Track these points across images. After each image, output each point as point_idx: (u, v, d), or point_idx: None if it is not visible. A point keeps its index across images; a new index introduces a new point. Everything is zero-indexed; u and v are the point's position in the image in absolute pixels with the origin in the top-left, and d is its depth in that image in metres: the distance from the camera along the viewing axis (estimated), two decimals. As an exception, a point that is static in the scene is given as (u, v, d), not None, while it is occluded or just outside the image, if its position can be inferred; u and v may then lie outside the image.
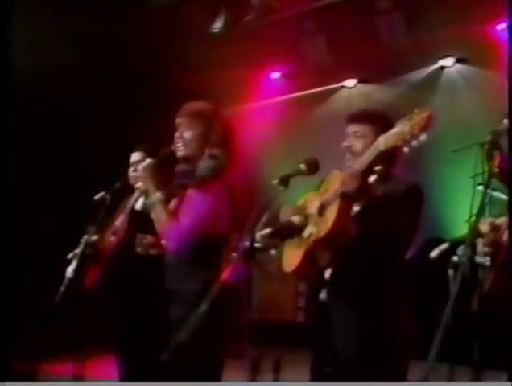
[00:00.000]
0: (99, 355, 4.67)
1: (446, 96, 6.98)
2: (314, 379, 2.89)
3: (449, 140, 5.99)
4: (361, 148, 2.77)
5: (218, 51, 6.94)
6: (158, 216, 2.97)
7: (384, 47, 6.89)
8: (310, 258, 2.79)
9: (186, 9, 6.78)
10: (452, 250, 4.01)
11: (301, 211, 2.91)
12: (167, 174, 3.08)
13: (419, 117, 2.45)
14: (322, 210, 2.76)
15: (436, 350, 1.83)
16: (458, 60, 7.05)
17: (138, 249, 3.26)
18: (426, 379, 1.90)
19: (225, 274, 2.36)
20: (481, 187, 2.35)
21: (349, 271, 2.75)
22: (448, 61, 7.08)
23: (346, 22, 6.82)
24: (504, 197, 3.63)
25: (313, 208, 2.84)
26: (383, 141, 2.55)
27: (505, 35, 6.22)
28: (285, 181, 2.57)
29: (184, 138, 3.02)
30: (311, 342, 2.92)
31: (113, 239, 3.80)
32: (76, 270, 3.46)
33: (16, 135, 5.85)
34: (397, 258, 2.82)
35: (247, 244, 2.41)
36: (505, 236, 3.51)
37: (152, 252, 3.24)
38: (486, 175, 2.34)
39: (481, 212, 2.30)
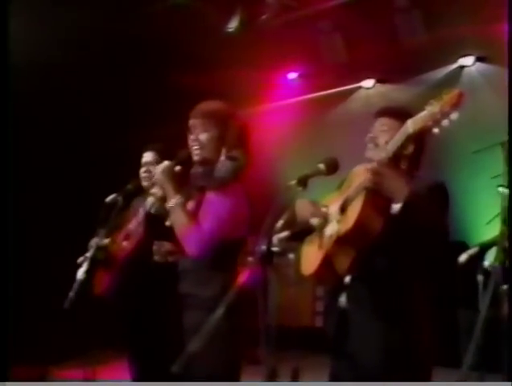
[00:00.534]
0: (110, 360, 4.63)
1: (466, 95, 6.82)
2: (333, 386, 2.82)
3: (470, 140, 5.89)
4: (385, 141, 2.69)
5: (234, 51, 6.91)
6: (178, 221, 2.90)
7: (402, 46, 6.82)
8: (330, 261, 2.69)
9: (201, 8, 6.71)
10: (481, 254, 3.90)
11: (319, 208, 2.82)
12: (182, 177, 3.01)
13: (449, 95, 2.39)
14: (345, 206, 2.67)
15: (471, 360, 1.73)
16: (478, 59, 6.94)
17: (156, 257, 3.19)
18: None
19: (242, 279, 2.31)
20: (502, 189, 2.24)
21: (372, 274, 2.66)
22: (468, 60, 6.98)
23: (364, 20, 6.77)
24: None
25: (334, 208, 2.75)
26: (412, 124, 2.47)
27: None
28: (303, 181, 2.48)
29: (200, 141, 2.95)
30: (329, 349, 2.84)
31: (125, 244, 3.74)
32: (87, 272, 3.38)
33: (25, 136, 5.87)
34: (426, 260, 2.72)
35: (264, 247, 2.34)
36: None
37: (170, 259, 3.16)
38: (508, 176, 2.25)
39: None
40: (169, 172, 2.95)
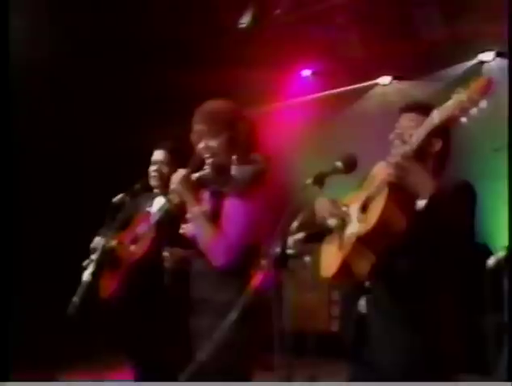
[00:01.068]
0: (117, 365, 4.56)
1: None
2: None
3: (490, 138, 5.76)
4: (412, 136, 2.55)
5: (246, 48, 6.85)
6: (203, 231, 2.83)
7: (420, 41, 6.70)
8: (349, 265, 2.58)
9: (212, 3, 6.65)
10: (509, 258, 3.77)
11: (339, 208, 2.71)
12: (197, 183, 2.96)
13: (477, 83, 2.26)
14: (367, 204, 2.56)
15: (504, 369, 1.61)
16: (498, 54, 6.77)
17: (167, 264, 3.17)
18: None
19: (255, 282, 2.24)
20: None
21: (394, 277, 2.54)
22: (488, 55, 6.83)
23: (380, 15, 6.70)
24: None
25: (355, 207, 2.64)
26: (438, 114, 2.35)
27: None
28: (320, 180, 2.38)
29: (211, 148, 2.89)
30: (347, 355, 2.75)
31: (134, 248, 3.64)
32: (94, 274, 3.32)
33: (27, 137, 5.84)
34: (453, 262, 2.60)
35: (278, 250, 2.25)
36: None
37: (182, 266, 3.10)
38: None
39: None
40: (187, 181, 2.90)
